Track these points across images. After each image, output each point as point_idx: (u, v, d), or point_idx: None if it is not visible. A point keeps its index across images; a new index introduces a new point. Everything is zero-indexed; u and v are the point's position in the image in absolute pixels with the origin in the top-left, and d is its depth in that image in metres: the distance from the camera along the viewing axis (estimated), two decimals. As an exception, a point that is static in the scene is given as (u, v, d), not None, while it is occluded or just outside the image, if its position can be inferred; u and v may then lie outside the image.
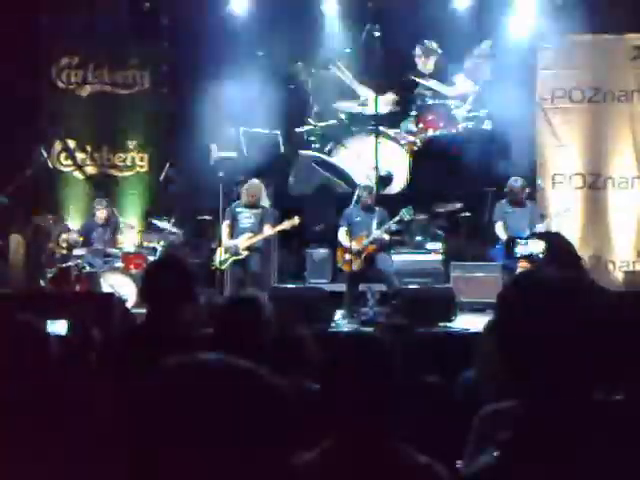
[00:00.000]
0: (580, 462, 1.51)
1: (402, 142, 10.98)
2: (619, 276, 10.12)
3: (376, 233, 8.54)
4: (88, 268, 9.49)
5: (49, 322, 7.27)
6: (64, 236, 10.84)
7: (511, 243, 8.60)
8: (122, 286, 9.16)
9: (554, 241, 7.92)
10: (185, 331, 3.34)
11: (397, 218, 8.66)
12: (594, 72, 10.42)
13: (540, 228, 8.82)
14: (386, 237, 8.68)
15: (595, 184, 10.42)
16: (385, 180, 10.50)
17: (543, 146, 10.55)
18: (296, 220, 8.83)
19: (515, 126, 10.21)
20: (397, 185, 10.90)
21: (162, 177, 9.97)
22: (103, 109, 11.10)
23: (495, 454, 1.62)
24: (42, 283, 9.81)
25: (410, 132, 10.98)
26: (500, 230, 8.95)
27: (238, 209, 8.99)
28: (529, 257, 8.29)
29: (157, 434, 1.29)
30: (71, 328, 6.33)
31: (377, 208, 8.83)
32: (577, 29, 10.23)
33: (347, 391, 2.06)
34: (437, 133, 10.87)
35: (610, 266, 10.18)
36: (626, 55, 10.35)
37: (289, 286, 9.02)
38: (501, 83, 10.35)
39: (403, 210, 8.67)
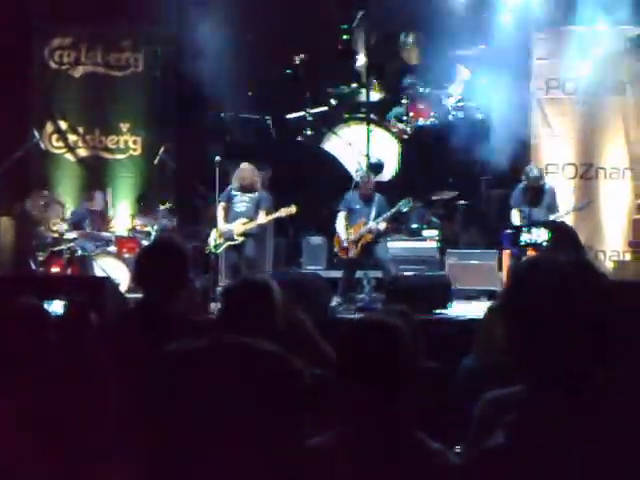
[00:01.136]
0: (585, 442, 1.54)
1: (393, 130, 10.99)
2: (609, 266, 10.22)
3: (373, 224, 8.56)
4: (80, 252, 9.42)
5: (45, 302, 7.28)
6: (54, 220, 10.78)
7: (516, 231, 8.60)
8: (115, 270, 9.12)
9: (558, 230, 7.97)
10: (180, 315, 3.33)
11: (395, 210, 8.68)
12: (587, 63, 10.47)
13: (557, 215, 8.84)
14: (382, 226, 8.68)
15: (587, 174, 10.51)
16: (376, 167, 10.50)
17: (537, 136, 10.61)
18: (293, 208, 8.81)
19: (509, 116, 10.26)
20: (388, 173, 10.92)
21: (157, 160, 9.90)
22: (96, 91, 11.00)
23: (503, 435, 1.63)
24: (33, 266, 9.73)
25: (400, 120, 10.98)
26: (515, 217, 8.94)
27: (234, 192, 8.95)
28: (534, 245, 8.31)
29: (181, 415, 1.30)
30: (67, 308, 6.28)
31: (376, 195, 8.84)
32: (572, 21, 10.30)
33: (363, 377, 2.08)
34: (428, 122, 10.86)
35: (601, 256, 10.28)
36: (619, 46, 10.41)
37: (285, 272, 9.01)
38: (495, 73, 10.38)
39: (402, 201, 8.69)
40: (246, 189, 8.89)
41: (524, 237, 8.41)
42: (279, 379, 2.27)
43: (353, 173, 10.16)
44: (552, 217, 8.87)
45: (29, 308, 2.88)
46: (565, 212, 9.15)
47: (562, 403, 1.57)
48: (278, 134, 10.71)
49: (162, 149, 9.86)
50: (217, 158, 8.77)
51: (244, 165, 9.03)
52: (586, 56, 10.43)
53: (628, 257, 10.12)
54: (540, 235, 8.28)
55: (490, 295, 8.26)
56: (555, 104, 10.60)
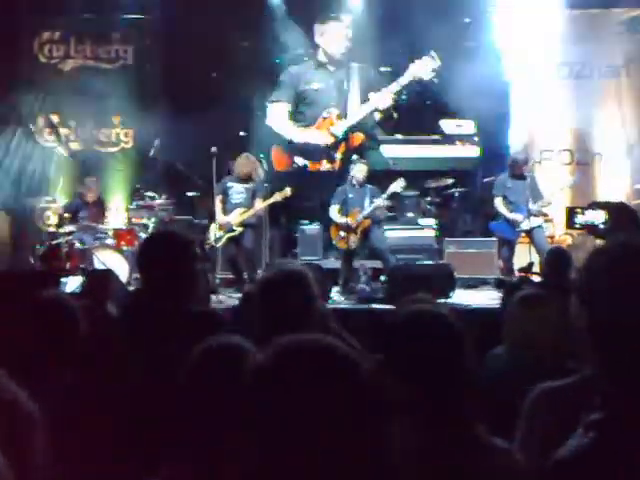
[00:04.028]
0: None
1: None
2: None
3: (375, 201, 8.51)
4: (79, 245, 9.34)
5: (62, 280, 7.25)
6: (49, 213, 10.70)
7: (570, 212, 8.46)
8: (114, 263, 9.04)
9: (618, 210, 7.80)
10: (186, 307, 3.27)
11: (390, 190, 8.61)
12: (581, 47, 10.45)
13: (542, 202, 8.79)
14: (383, 204, 8.61)
15: (583, 159, 10.49)
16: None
17: (531, 122, 10.57)
18: (288, 191, 8.76)
19: (502, 102, 10.24)
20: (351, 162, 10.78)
21: (152, 153, 9.81)
22: (86, 84, 10.87)
23: (587, 436, 1.56)
24: (31, 261, 9.66)
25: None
26: (500, 205, 8.90)
27: (229, 184, 8.91)
28: (589, 226, 8.21)
29: (267, 413, 1.24)
30: (84, 284, 6.24)
31: (368, 185, 8.79)
32: (565, 4, 10.25)
33: (423, 372, 1.99)
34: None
35: (598, 242, 10.26)
36: (613, 29, 10.38)
37: (284, 262, 8.95)
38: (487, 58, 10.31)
39: (394, 183, 8.63)
40: (243, 179, 8.85)
41: (578, 219, 8.27)
42: (352, 381, 2.18)
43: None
44: (538, 202, 8.77)
45: (54, 303, 2.81)
46: (559, 188, 9.13)
47: None
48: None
49: (156, 141, 9.77)
50: (213, 149, 8.70)
51: (243, 155, 8.99)
52: (580, 40, 10.41)
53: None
54: (596, 216, 8.14)
55: (499, 284, 8.17)
56: (550, 89, 10.56)
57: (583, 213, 8.34)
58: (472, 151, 10.50)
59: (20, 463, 1.41)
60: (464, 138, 10.57)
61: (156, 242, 3.59)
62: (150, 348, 3.00)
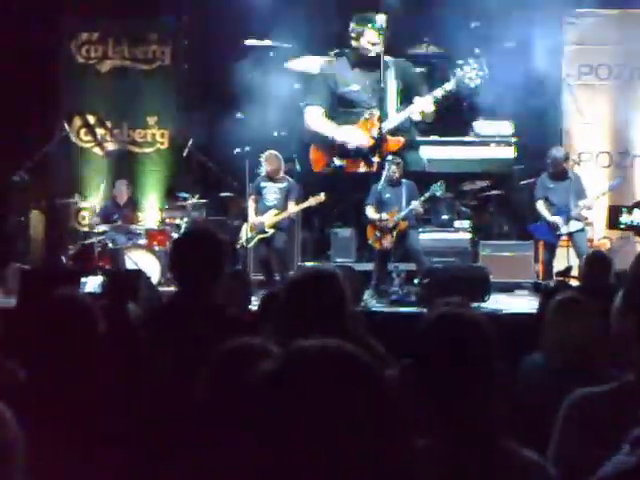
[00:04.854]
0: None
1: None
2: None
3: (413, 203, 8.44)
4: (111, 245, 9.41)
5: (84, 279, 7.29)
6: (84, 213, 10.79)
7: (614, 212, 8.20)
8: (146, 263, 9.09)
9: None
10: (219, 309, 3.23)
11: (428, 194, 8.56)
12: (620, 48, 10.27)
13: (586, 202, 8.64)
14: (421, 209, 8.58)
15: (622, 162, 10.31)
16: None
17: (569, 123, 10.42)
18: (322, 196, 8.74)
19: (540, 103, 10.09)
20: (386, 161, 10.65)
21: (185, 153, 9.85)
22: (123, 85, 10.98)
23: (634, 454, 1.50)
24: (63, 260, 9.75)
25: None
26: (541, 207, 8.75)
27: (263, 184, 8.91)
28: (635, 227, 7.97)
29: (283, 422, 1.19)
30: (105, 285, 6.23)
31: (404, 181, 8.72)
32: (604, 4, 10.09)
33: (457, 379, 1.92)
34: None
35: (638, 247, 10.07)
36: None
37: (316, 264, 8.92)
38: (526, 59, 10.19)
39: (434, 185, 8.57)
40: (273, 178, 8.83)
41: (623, 218, 7.99)
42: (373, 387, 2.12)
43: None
44: (581, 203, 8.67)
45: (72, 301, 2.79)
46: (597, 195, 8.95)
47: None
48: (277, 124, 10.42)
49: (191, 142, 9.81)
50: (246, 148, 8.71)
51: (269, 152, 8.97)
52: (619, 40, 10.23)
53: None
54: None
55: (536, 287, 8.04)
56: (587, 90, 10.40)
57: (630, 213, 8.02)
58: (507, 152, 10.35)
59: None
60: (499, 139, 10.43)
61: (190, 239, 3.58)
62: (174, 348, 2.98)
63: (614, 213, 8.22)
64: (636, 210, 8.02)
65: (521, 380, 3.57)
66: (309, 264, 9.07)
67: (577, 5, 10.18)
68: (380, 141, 8.87)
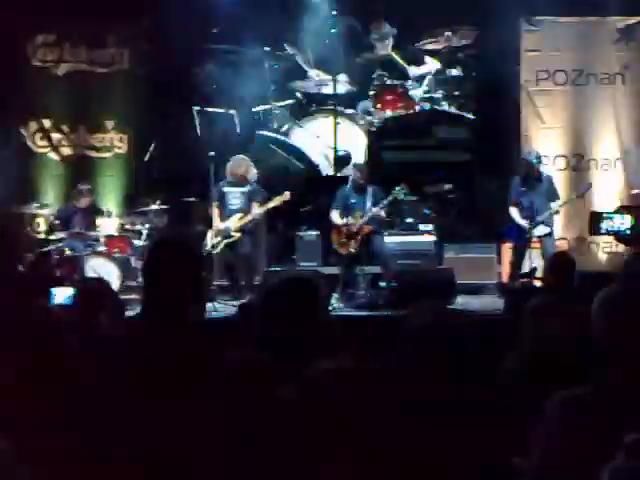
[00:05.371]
0: None
1: (360, 122, 10.79)
2: (603, 257, 10.23)
3: (373, 210, 8.47)
4: (69, 252, 9.22)
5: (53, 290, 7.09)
6: (38, 220, 10.54)
7: (595, 218, 8.21)
8: (106, 270, 8.91)
9: None
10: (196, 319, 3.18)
11: (391, 197, 8.60)
12: (577, 54, 10.46)
13: (556, 205, 8.78)
14: (383, 214, 8.61)
15: (578, 166, 10.49)
16: (343, 160, 10.34)
17: (527, 128, 10.57)
18: (287, 195, 8.69)
19: (498, 108, 10.24)
20: (351, 166, 10.71)
21: (147, 158, 9.71)
22: (80, 88, 10.75)
23: (631, 462, 1.50)
24: (20, 268, 9.50)
25: (368, 112, 10.82)
26: (514, 212, 8.85)
27: (225, 189, 8.84)
28: (616, 233, 8.04)
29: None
30: (75, 297, 6.08)
31: (370, 186, 8.74)
32: (561, 12, 10.27)
33: None
34: (395, 113, 10.69)
35: (594, 247, 10.27)
36: (609, 37, 10.40)
37: (284, 269, 8.89)
38: (484, 64, 10.33)
39: (396, 188, 8.61)
40: (237, 183, 8.76)
41: (604, 225, 8.02)
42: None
43: (320, 165, 10.14)
44: (553, 205, 8.84)
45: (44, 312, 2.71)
46: (567, 199, 9.13)
47: None
48: (243, 128, 10.40)
49: (152, 146, 9.67)
50: (211, 153, 8.63)
51: (236, 158, 8.90)
52: (575, 47, 10.43)
53: (621, 249, 10.12)
54: (623, 222, 7.88)
55: (501, 289, 8.13)
56: (545, 95, 10.57)
57: (611, 219, 8.05)
58: (467, 156, 10.46)
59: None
60: (459, 144, 10.54)
61: (165, 249, 3.49)
62: (159, 364, 2.90)
63: (595, 219, 8.26)
64: (617, 216, 8.10)
65: (498, 382, 3.57)
66: (275, 269, 9.05)
67: (535, 12, 10.33)
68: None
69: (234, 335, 3.68)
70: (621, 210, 8.35)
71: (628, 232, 7.85)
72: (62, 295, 7.02)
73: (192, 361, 2.72)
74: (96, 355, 2.99)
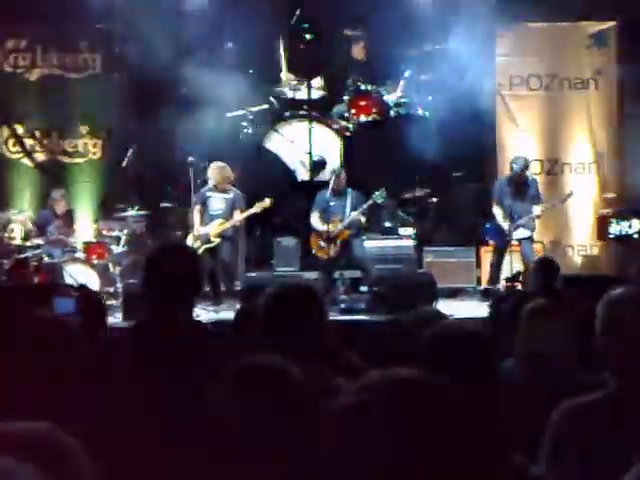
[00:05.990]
0: None
1: (334, 127, 10.81)
2: (578, 260, 10.34)
3: (352, 214, 8.48)
4: (47, 259, 9.10)
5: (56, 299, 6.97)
6: (13, 225, 10.38)
7: (603, 223, 8.22)
8: (85, 277, 8.82)
9: None
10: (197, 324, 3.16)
11: (370, 201, 8.61)
12: (550, 60, 10.59)
13: (537, 210, 8.86)
14: (362, 219, 8.62)
15: (552, 170, 10.61)
16: (318, 165, 10.36)
17: (502, 132, 10.67)
18: (267, 202, 8.67)
19: (473, 112, 10.31)
20: (330, 171, 10.76)
21: (125, 163, 9.61)
22: (53, 93, 10.66)
23: None
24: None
25: (342, 117, 10.85)
26: (497, 211, 8.92)
27: (208, 194, 8.79)
28: (624, 237, 8.06)
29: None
30: (78, 304, 6.02)
31: (349, 191, 8.75)
32: (533, 17, 10.39)
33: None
34: (370, 118, 10.73)
35: (569, 251, 10.38)
36: (581, 43, 10.55)
37: (264, 275, 8.86)
38: (458, 69, 10.40)
39: (376, 193, 8.62)
40: (220, 188, 8.72)
41: (612, 229, 8.05)
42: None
43: (296, 171, 10.11)
44: (535, 210, 8.92)
45: (50, 323, 2.65)
46: (550, 205, 9.22)
47: None
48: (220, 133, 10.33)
49: (130, 151, 9.58)
50: (190, 158, 8.57)
51: (215, 164, 8.85)
52: (548, 52, 10.55)
53: (596, 251, 10.25)
54: (632, 225, 7.91)
55: (485, 293, 8.17)
56: (519, 100, 10.69)
57: (618, 223, 8.11)
58: (443, 160, 10.50)
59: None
60: (432, 148, 10.59)
61: (168, 254, 3.46)
62: (158, 367, 2.87)
63: (603, 224, 8.27)
64: (624, 220, 8.13)
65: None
66: (252, 275, 9.02)
67: (508, 18, 10.42)
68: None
69: (233, 338, 3.67)
70: (628, 214, 8.38)
71: (636, 236, 7.90)
72: (64, 303, 6.92)
73: (200, 362, 2.71)
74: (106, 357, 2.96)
